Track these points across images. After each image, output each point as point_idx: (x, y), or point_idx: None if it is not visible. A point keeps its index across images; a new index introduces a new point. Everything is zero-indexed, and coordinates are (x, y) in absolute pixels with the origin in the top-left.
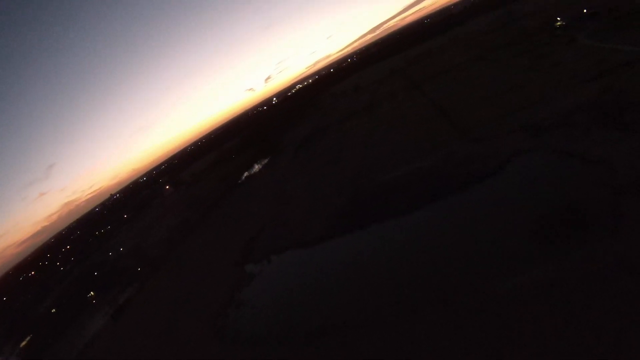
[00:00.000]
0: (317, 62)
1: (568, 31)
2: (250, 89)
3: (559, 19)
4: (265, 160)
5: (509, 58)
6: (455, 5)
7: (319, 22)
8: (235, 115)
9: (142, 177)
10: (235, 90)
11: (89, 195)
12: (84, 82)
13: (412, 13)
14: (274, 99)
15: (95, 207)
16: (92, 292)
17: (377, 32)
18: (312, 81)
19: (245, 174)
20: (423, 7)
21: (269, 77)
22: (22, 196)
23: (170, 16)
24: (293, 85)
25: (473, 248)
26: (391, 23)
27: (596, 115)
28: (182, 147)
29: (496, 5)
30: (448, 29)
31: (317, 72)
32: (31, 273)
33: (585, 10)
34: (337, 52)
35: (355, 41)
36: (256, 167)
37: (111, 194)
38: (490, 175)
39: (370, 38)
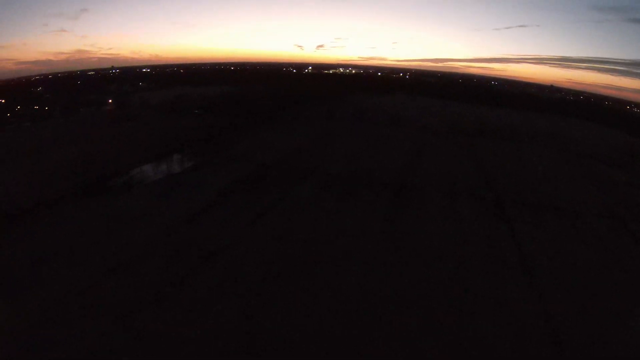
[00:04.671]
0: (371, 58)
1: None
2: (299, 46)
3: None
4: (182, 166)
5: None
6: (530, 85)
7: (391, 24)
8: (269, 60)
9: (155, 67)
10: (285, 39)
11: (104, 55)
12: None
13: (479, 67)
14: (309, 67)
15: (91, 71)
16: None
17: (439, 64)
18: (355, 73)
19: (139, 169)
20: (491, 68)
21: (321, 45)
22: (44, 22)
23: None
24: (336, 65)
25: None
26: (455, 64)
27: None
28: (203, 61)
29: (589, 115)
30: (525, 109)
31: (366, 67)
32: None
33: None
34: (394, 60)
35: (415, 60)
36: (161, 170)
37: (112, 66)
38: None
39: (430, 66)
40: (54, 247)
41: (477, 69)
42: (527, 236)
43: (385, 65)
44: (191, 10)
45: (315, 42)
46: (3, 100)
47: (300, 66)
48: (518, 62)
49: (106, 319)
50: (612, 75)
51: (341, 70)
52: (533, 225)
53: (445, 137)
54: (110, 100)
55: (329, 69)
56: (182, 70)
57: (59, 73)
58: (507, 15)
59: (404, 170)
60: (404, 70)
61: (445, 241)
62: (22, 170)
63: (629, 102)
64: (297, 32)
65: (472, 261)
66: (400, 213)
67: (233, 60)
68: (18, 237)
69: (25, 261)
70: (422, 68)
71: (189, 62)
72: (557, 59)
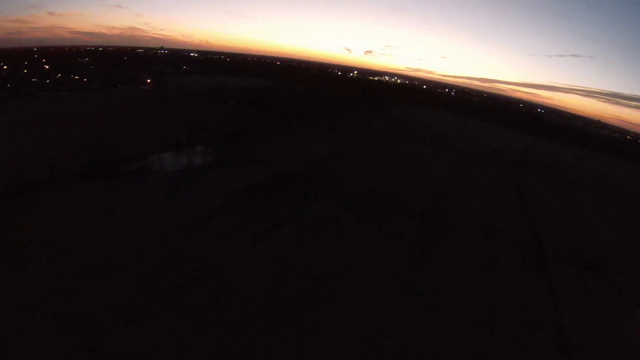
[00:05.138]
0: (418, 69)
1: None
2: (348, 49)
3: None
4: (200, 161)
5: None
6: (577, 118)
7: (442, 38)
8: (316, 60)
9: (203, 53)
10: (334, 40)
11: (156, 35)
12: None
13: (526, 92)
14: (355, 72)
15: (141, 49)
16: None
17: (486, 84)
18: (400, 83)
19: (157, 157)
20: (538, 94)
21: (370, 51)
22: None
23: None
24: (382, 73)
25: None
26: (502, 86)
27: None
28: (251, 53)
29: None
30: (572, 142)
31: (412, 79)
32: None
33: None
34: (440, 75)
35: (462, 77)
36: (177, 162)
37: (162, 47)
38: None
39: (476, 85)
40: (42, 234)
41: (523, 93)
42: (567, 300)
43: (431, 79)
44: (246, 1)
45: (364, 47)
46: (47, 67)
47: (346, 69)
48: (566, 92)
49: (68, 332)
50: None
51: (387, 78)
52: (575, 287)
53: (487, 164)
54: (149, 80)
55: (374, 76)
56: (228, 59)
57: (109, 47)
58: (560, 42)
59: (439, 197)
60: (450, 87)
61: (474, 294)
62: (40, 140)
63: None
64: (348, 34)
65: (502, 324)
66: (427, 250)
67: (280, 55)
68: (8, 217)
69: (6, 246)
70: (468, 86)
71: (237, 51)
72: (607, 94)
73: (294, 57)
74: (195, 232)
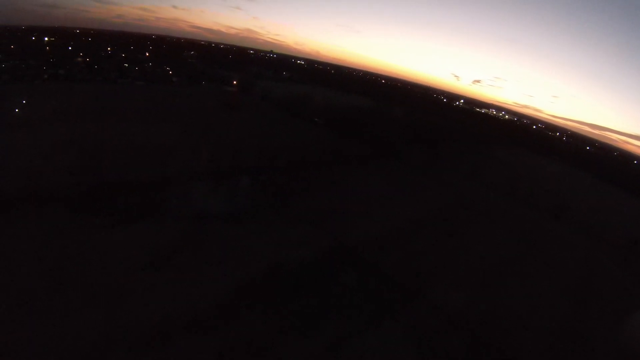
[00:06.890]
0: (527, 106)
1: None
2: (456, 76)
3: None
4: (231, 206)
5: None
6: None
7: (555, 77)
8: (421, 83)
9: (310, 62)
10: (443, 65)
11: (269, 39)
12: None
13: (636, 145)
14: (462, 100)
15: (252, 50)
16: None
17: (596, 131)
18: (508, 119)
19: (180, 188)
20: None
21: (478, 81)
22: None
23: None
24: (490, 105)
25: None
26: (612, 135)
27: None
28: (357, 67)
29: None
30: None
31: (520, 116)
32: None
33: None
34: (549, 115)
35: (572, 121)
36: (203, 201)
37: (271, 50)
38: None
39: (586, 131)
40: None
41: (634, 146)
42: None
43: (540, 118)
44: (360, 17)
45: (472, 76)
46: (147, 54)
47: (452, 97)
48: None
49: None
50: None
51: (494, 112)
52: None
53: (624, 261)
54: (235, 82)
55: (481, 108)
56: (333, 71)
57: (221, 44)
58: None
59: (567, 335)
60: (560, 130)
61: None
62: (58, 138)
63: None
64: (457, 61)
65: None
66: None
67: (385, 74)
68: None
69: None
70: (578, 131)
71: (344, 64)
72: None
73: (400, 77)
74: None
